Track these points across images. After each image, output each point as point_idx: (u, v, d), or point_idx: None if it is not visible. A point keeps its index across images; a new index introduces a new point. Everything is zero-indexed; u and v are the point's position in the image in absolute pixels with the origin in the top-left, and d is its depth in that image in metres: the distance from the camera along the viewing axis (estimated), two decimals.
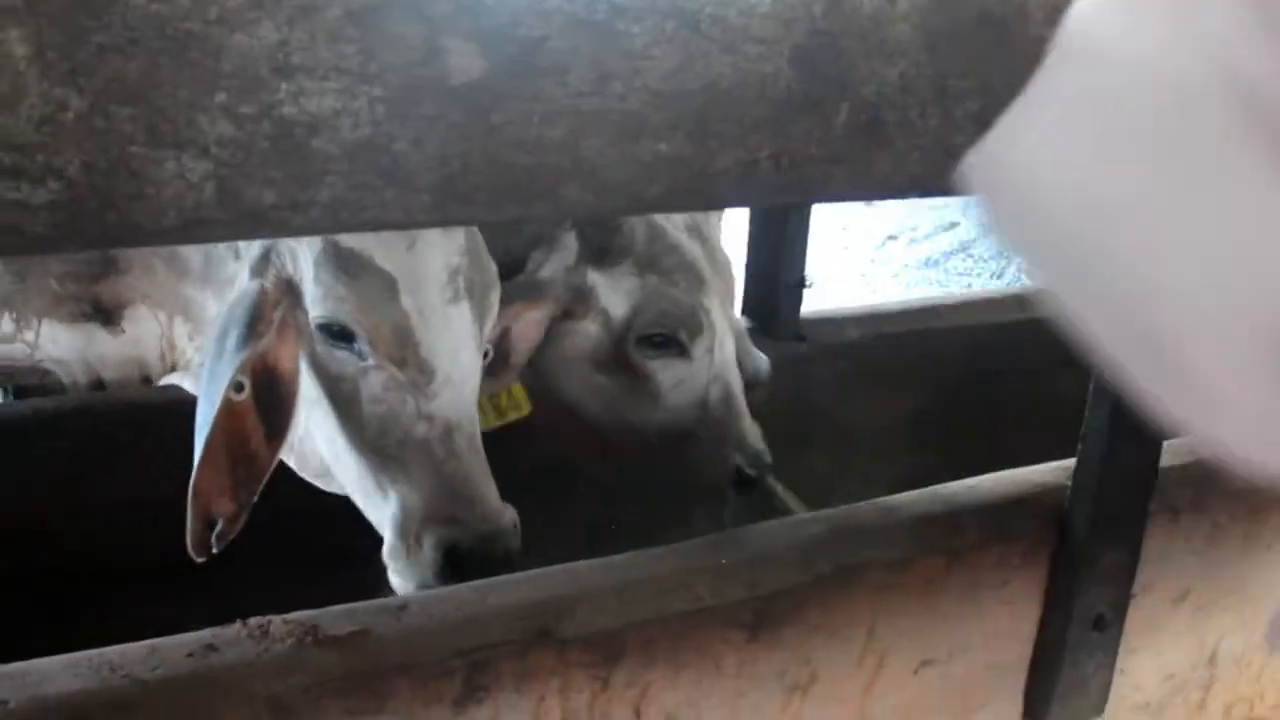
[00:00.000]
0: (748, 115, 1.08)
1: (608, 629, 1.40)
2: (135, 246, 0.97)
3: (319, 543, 2.14)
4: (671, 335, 2.11)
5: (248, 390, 1.55)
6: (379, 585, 1.68)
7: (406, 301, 1.62)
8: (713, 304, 2.18)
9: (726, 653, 1.51)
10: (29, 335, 1.92)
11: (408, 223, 0.97)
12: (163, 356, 2.08)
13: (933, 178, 1.21)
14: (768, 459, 2.22)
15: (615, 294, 2.10)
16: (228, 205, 0.89)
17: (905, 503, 1.73)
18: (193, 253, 1.74)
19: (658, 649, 1.44)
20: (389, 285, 1.61)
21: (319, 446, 1.74)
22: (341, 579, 1.72)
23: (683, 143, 1.06)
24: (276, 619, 1.29)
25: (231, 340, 1.54)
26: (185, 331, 2.00)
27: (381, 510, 1.67)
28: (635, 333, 2.11)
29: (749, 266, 2.72)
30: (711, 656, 1.49)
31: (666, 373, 2.14)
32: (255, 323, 1.55)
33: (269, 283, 1.62)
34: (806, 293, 2.70)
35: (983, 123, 1.21)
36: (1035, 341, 2.96)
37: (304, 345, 1.66)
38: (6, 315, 1.89)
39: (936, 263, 7.28)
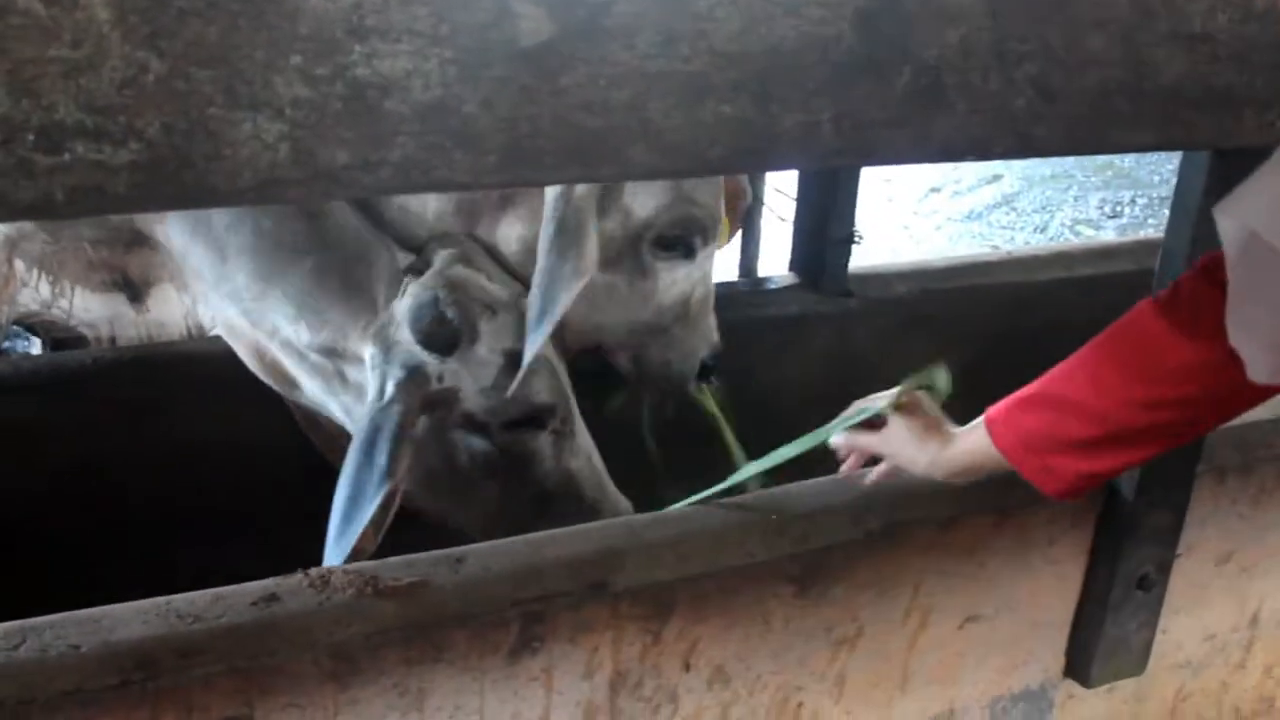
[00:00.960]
0: (809, 78, 1.08)
1: (660, 582, 1.43)
2: (212, 206, 0.99)
3: None
4: (686, 238, 2.10)
5: None
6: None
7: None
8: (722, 206, 2.20)
9: (775, 608, 1.53)
10: (63, 303, 1.98)
11: (475, 183, 0.98)
12: (188, 332, 2.14)
13: (992, 141, 1.20)
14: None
15: (643, 193, 2.07)
16: (302, 165, 0.90)
17: None
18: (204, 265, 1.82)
19: (709, 603, 1.47)
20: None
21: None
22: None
23: (746, 104, 1.06)
24: (338, 569, 1.32)
25: (381, 460, 1.66)
26: (207, 316, 2.07)
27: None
28: (654, 232, 2.08)
29: (797, 221, 2.72)
30: (761, 611, 1.52)
31: (668, 274, 2.14)
32: (400, 447, 1.67)
33: (413, 403, 1.76)
34: (854, 248, 2.70)
35: (1042, 86, 1.21)
36: (1080, 299, 2.99)
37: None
38: (45, 280, 1.93)
39: (979, 215, 7.22)
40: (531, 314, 1.69)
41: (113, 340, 2.19)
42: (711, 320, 2.27)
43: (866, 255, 6.36)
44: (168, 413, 2.08)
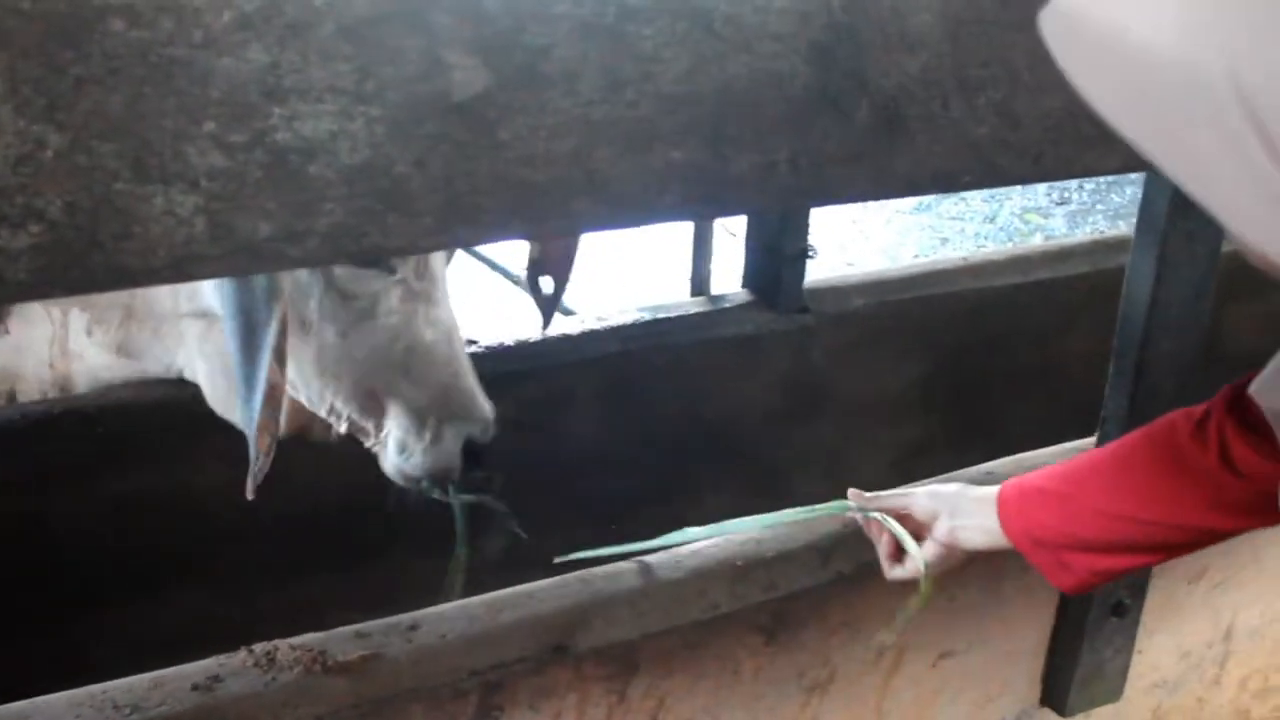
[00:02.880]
0: (764, 116, 1.03)
1: (623, 641, 1.36)
2: (126, 288, 0.92)
3: (319, 536, 2.12)
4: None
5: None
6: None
7: None
8: None
9: (744, 657, 1.47)
10: None
11: (412, 248, 0.91)
12: (52, 365, 2.00)
13: (957, 172, 1.15)
14: None
15: None
16: (221, 240, 0.83)
17: None
18: None
19: (675, 658, 1.41)
20: None
21: (291, 376, 1.78)
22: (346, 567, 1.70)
23: (697, 148, 1.01)
24: (284, 644, 1.25)
25: (259, 308, 1.52)
26: (82, 325, 1.94)
27: (375, 414, 1.80)
28: None
29: (750, 238, 2.66)
30: (730, 662, 1.46)
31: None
32: (276, 289, 1.53)
33: None
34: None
35: (1006, 112, 1.16)
36: (1040, 304, 2.96)
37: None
38: None
39: (928, 207, 7.21)
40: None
41: None
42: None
43: (819, 257, 6.37)
44: (109, 467, 2.00)
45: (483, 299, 4.98)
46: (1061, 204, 7.41)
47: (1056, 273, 2.96)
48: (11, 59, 0.73)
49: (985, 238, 6.93)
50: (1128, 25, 0.54)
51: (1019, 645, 1.78)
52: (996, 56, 1.13)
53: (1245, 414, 1.24)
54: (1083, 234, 6.79)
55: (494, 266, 3.97)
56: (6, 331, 1.95)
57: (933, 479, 1.75)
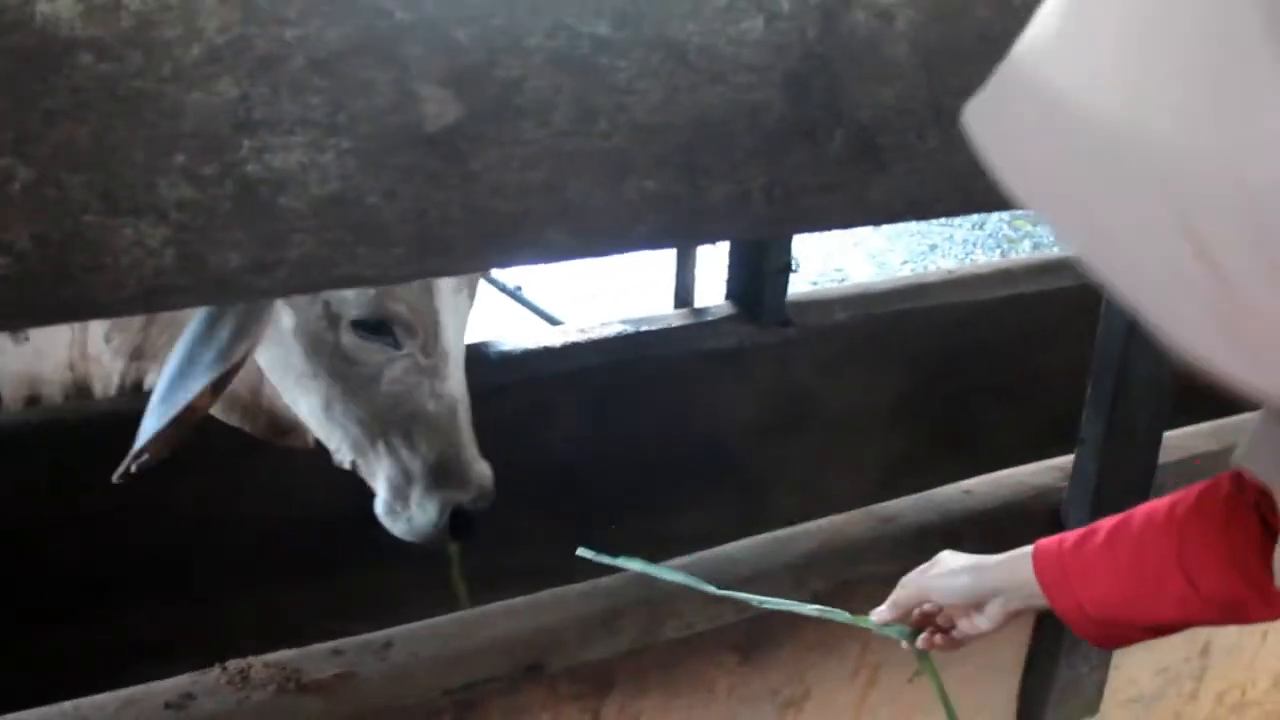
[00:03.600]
0: (738, 147, 1.03)
1: (597, 660, 1.37)
2: (95, 318, 0.92)
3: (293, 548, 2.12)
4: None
5: None
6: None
7: (437, 297, 1.79)
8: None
9: (719, 676, 1.47)
10: None
11: (383, 278, 0.92)
12: (71, 368, 2.01)
13: (933, 200, 1.16)
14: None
15: None
16: (190, 271, 0.83)
17: (899, 512, 1.69)
18: None
19: (649, 677, 1.41)
20: (426, 284, 1.77)
21: (300, 412, 1.86)
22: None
23: (671, 179, 1.01)
24: (257, 662, 1.25)
25: (222, 340, 1.52)
26: (101, 331, 1.95)
27: (374, 464, 1.83)
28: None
29: (733, 251, 2.67)
30: (705, 681, 1.46)
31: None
32: (249, 331, 1.53)
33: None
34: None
35: None
36: (1022, 317, 2.96)
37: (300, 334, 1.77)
38: None
39: None
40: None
41: None
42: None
43: (806, 262, 6.37)
44: (79, 479, 1.99)
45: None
46: None
47: (1041, 286, 2.97)
48: None
49: (974, 244, 6.94)
50: (1064, 91, 0.51)
51: (996, 661, 1.79)
52: (972, 85, 1.14)
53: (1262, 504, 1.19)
54: None
55: (485, 278, 3.97)
56: (26, 338, 1.95)
57: (912, 494, 1.76)
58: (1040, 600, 1.32)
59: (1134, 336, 1.58)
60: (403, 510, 1.82)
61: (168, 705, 1.21)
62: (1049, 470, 1.82)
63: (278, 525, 2.06)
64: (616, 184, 0.98)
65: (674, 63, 0.97)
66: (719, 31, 0.98)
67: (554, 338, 2.41)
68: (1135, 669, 1.99)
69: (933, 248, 6.92)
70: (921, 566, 1.39)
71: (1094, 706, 1.92)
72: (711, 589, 1.42)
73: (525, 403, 2.34)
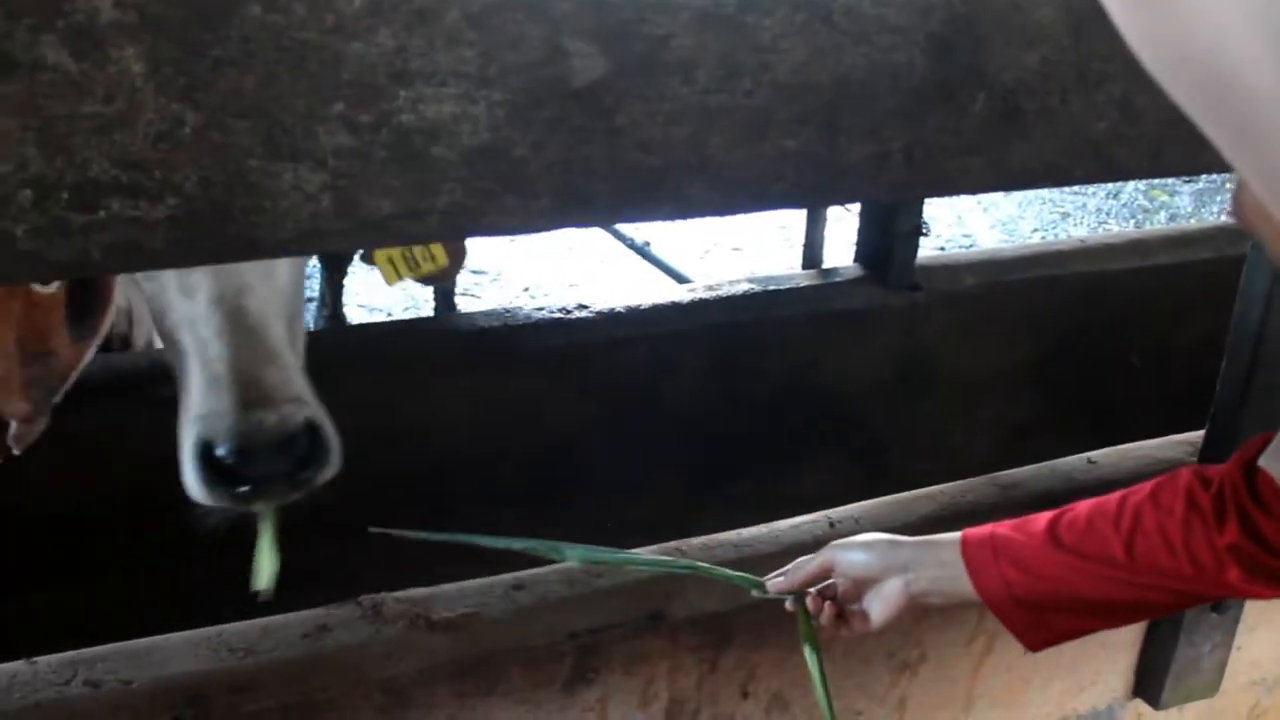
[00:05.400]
0: (879, 107, 1.03)
1: (717, 612, 1.39)
2: (254, 259, 0.96)
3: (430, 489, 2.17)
4: None
5: (58, 282, 1.36)
6: None
7: None
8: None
9: (835, 635, 1.48)
10: None
11: (526, 228, 0.94)
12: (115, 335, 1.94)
13: (1072, 166, 1.15)
14: None
15: None
16: (345, 215, 0.86)
17: (1023, 479, 1.68)
18: None
19: (766, 632, 1.43)
20: None
21: None
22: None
23: (811, 137, 1.01)
24: (390, 598, 1.29)
25: None
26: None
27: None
28: None
29: (863, 213, 2.66)
30: (821, 640, 1.47)
31: None
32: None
33: None
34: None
35: (1126, 106, 1.15)
36: (1155, 289, 2.91)
37: None
38: None
39: None
40: None
41: (129, 313, 1.98)
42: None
43: (936, 227, 6.29)
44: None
45: (595, 264, 5.03)
46: (1189, 182, 7.23)
47: (1176, 258, 2.91)
48: (154, 41, 0.77)
49: (1108, 214, 6.80)
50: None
51: (1114, 636, 1.77)
52: (1119, 51, 1.12)
53: (1259, 486, 1.20)
54: (1207, 217, 6.62)
55: (612, 231, 3.99)
56: None
57: (1045, 462, 1.74)
58: (950, 585, 1.29)
59: (1272, 310, 1.55)
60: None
61: (304, 635, 1.26)
62: (1177, 444, 1.80)
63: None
64: (757, 141, 0.99)
65: (818, 22, 0.97)
66: None
67: (681, 294, 2.42)
68: (1258, 650, 1.95)
69: (1064, 216, 6.80)
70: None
71: (1214, 687, 1.89)
72: (570, 554, 1.34)
73: (651, 358, 2.36)
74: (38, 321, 1.35)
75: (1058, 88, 1.11)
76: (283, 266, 1.43)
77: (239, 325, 1.34)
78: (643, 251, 3.90)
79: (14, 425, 1.38)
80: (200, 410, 1.31)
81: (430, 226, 0.90)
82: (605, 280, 4.83)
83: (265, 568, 1.35)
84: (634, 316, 2.35)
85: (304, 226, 0.85)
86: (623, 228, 3.91)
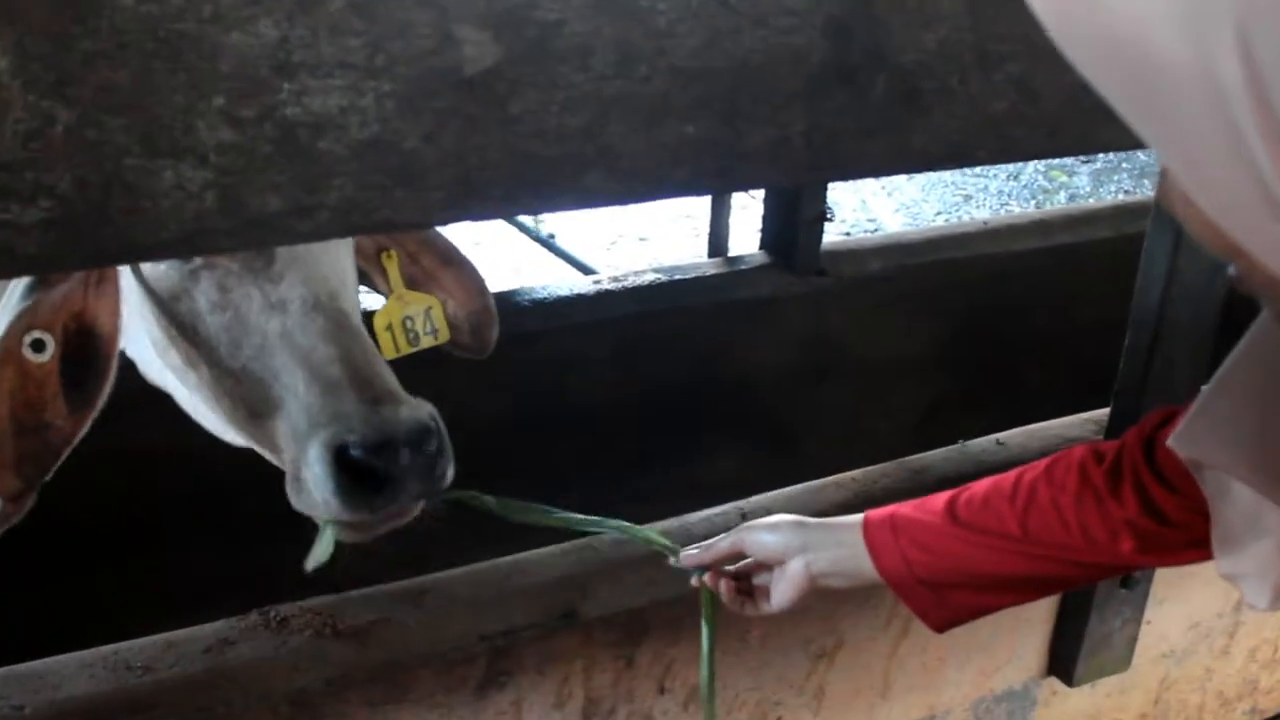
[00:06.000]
0: (779, 91, 1.02)
1: (631, 607, 1.37)
2: (136, 261, 0.92)
3: None
4: None
5: (52, 351, 1.28)
6: None
7: None
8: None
9: (752, 625, 1.48)
10: None
11: (422, 222, 0.91)
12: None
13: (973, 146, 1.15)
14: None
15: None
16: (230, 214, 0.83)
17: (933, 462, 1.69)
18: None
19: (683, 625, 1.41)
20: None
21: (200, 414, 1.48)
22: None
23: (710, 123, 1.00)
24: (295, 608, 1.26)
25: (21, 284, 1.27)
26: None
27: (253, 431, 1.38)
28: None
29: (768, 200, 2.66)
30: (737, 630, 1.47)
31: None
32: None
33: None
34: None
35: (1024, 87, 1.15)
36: (1059, 267, 2.94)
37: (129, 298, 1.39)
38: None
39: None
40: None
41: None
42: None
43: (842, 211, 6.34)
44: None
45: (500, 256, 4.99)
46: (1087, 162, 7.36)
47: (1078, 237, 2.95)
48: (20, 34, 0.73)
49: (1009, 195, 6.90)
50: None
51: (1027, 614, 1.79)
52: (1016, 31, 1.12)
53: (1158, 462, 1.22)
54: (1105, 196, 6.74)
55: (515, 224, 3.96)
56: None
57: (954, 445, 1.75)
58: (852, 565, 1.29)
59: (1172, 286, 1.56)
60: (291, 483, 1.31)
61: (207, 649, 1.23)
62: (1084, 422, 1.82)
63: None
64: (655, 128, 0.97)
65: (715, 5, 0.96)
66: None
67: (587, 286, 2.40)
68: (1166, 624, 1.98)
69: (967, 199, 6.88)
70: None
71: (1125, 661, 1.91)
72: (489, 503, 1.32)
73: (558, 351, 2.34)
74: (31, 393, 1.30)
75: (957, 69, 1.10)
76: (350, 274, 1.45)
77: (343, 326, 1.35)
78: (547, 244, 3.88)
79: (1, 504, 1.30)
80: (323, 417, 1.27)
81: (320, 223, 0.87)
82: (511, 274, 4.80)
83: (321, 554, 1.28)
84: (539, 309, 2.33)
85: (188, 227, 0.82)
86: (527, 220, 3.87)
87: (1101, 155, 7.38)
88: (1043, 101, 1.16)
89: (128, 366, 2.01)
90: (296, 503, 1.32)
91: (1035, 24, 1.21)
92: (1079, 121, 1.20)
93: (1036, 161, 7.28)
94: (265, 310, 1.33)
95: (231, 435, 1.44)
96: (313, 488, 1.26)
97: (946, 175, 7.13)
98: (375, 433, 1.23)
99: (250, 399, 1.35)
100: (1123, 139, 1.28)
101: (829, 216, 2.58)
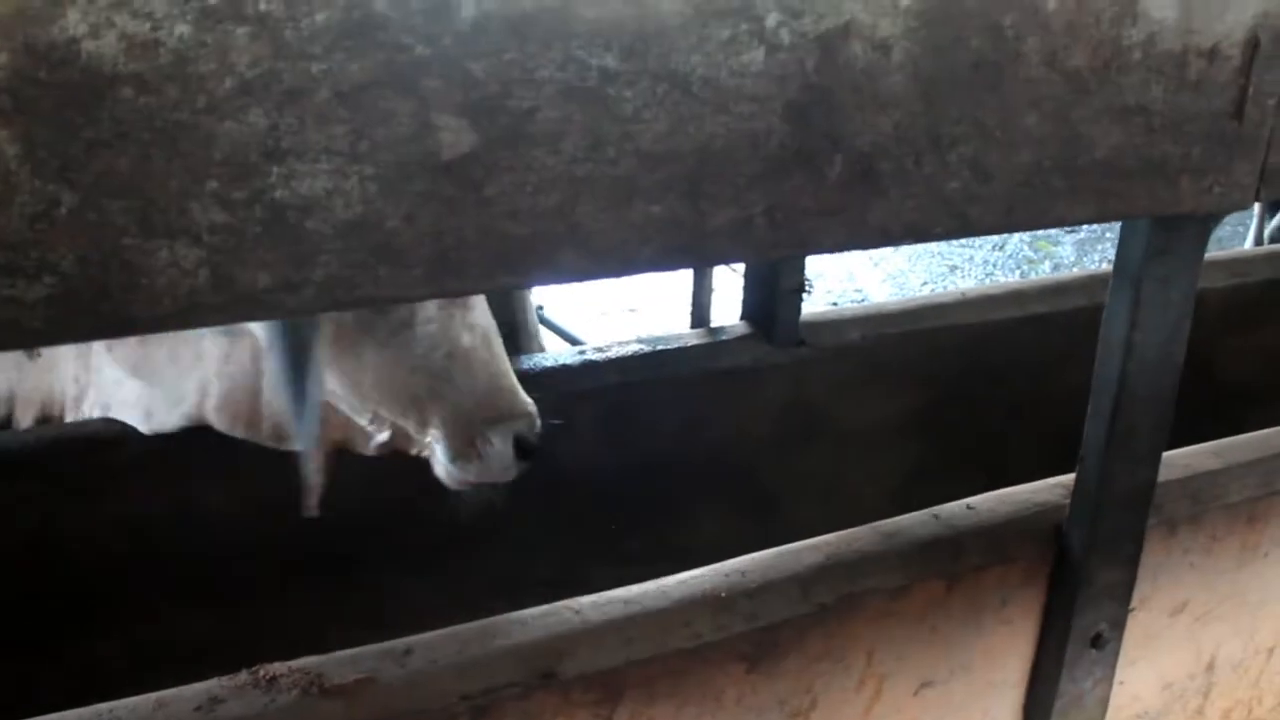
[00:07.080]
0: (740, 173, 1.08)
1: (609, 668, 1.41)
2: (132, 335, 0.98)
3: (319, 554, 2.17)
4: None
5: None
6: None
7: None
8: None
9: (727, 685, 1.51)
10: None
11: (402, 298, 0.97)
12: (76, 380, 2.06)
13: (930, 224, 1.21)
14: None
15: None
16: (222, 290, 0.89)
17: (905, 526, 1.73)
18: None
19: (659, 685, 1.45)
20: None
21: (328, 393, 1.86)
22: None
23: (675, 203, 1.06)
24: (282, 667, 1.30)
25: (314, 347, 1.67)
26: (103, 343, 1.97)
27: (423, 418, 1.86)
28: None
29: (748, 275, 2.72)
30: (713, 690, 1.50)
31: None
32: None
33: None
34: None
35: (977, 167, 1.21)
36: (1036, 338, 3.00)
37: None
38: None
39: None
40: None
41: (11, 398, 2.08)
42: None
43: (826, 283, 6.42)
44: (116, 490, 2.06)
45: None
46: (1070, 232, 7.46)
47: (1053, 307, 3.01)
48: (28, 124, 0.79)
49: (995, 265, 6.99)
50: None
51: (1000, 675, 1.82)
52: (968, 114, 1.19)
53: None
54: (1089, 265, 6.83)
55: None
56: (39, 354, 2.01)
57: (927, 509, 1.79)
58: None
59: (1131, 355, 1.62)
60: (469, 455, 1.85)
61: (197, 708, 1.26)
62: (1052, 488, 1.86)
63: (301, 533, 2.10)
64: (624, 209, 1.03)
65: (679, 93, 1.02)
66: (721, 63, 1.03)
67: (573, 356, 2.46)
68: (1140, 685, 2.01)
69: (953, 269, 6.97)
70: None
71: None
72: None
73: (545, 418, 2.39)
74: None
75: (912, 150, 1.17)
76: None
77: (491, 334, 1.88)
78: (536, 315, 3.95)
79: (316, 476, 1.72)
80: (499, 412, 1.85)
81: (307, 298, 0.93)
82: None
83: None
84: (527, 379, 2.38)
85: (181, 302, 0.88)
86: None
87: (1085, 226, 7.48)
88: (995, 181, 1.22)
89: (121, 438, 2.08)
90: (461, 471, 1.87)
91: (986, 109, 1.29)
92: (1032, 200, 1.26)
93: (1022, 233, 7.39)
94: (461, 329, 1.84)
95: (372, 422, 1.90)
96: (493, 460, 1.85)
97: (933, 246, 7.22)
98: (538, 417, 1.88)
99: (420, 389, 1.84)
100: (1074, 214, 1.36)
101: (808, 289, 2.64)
